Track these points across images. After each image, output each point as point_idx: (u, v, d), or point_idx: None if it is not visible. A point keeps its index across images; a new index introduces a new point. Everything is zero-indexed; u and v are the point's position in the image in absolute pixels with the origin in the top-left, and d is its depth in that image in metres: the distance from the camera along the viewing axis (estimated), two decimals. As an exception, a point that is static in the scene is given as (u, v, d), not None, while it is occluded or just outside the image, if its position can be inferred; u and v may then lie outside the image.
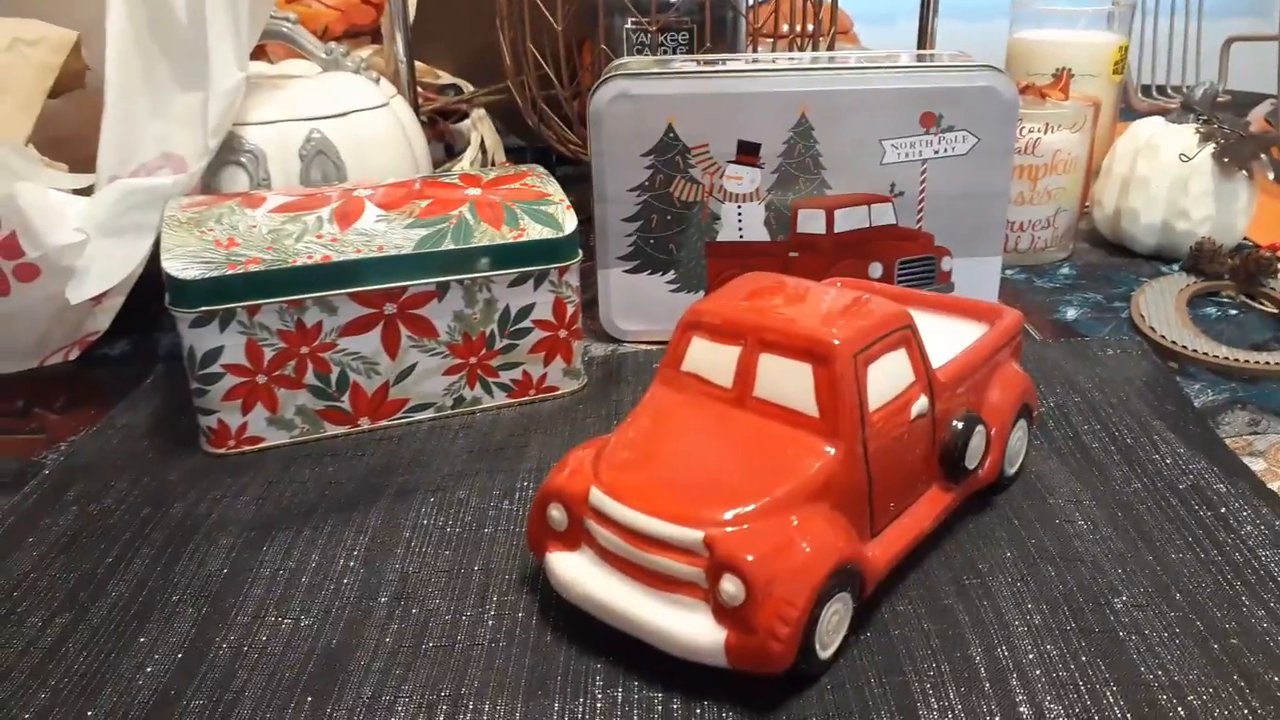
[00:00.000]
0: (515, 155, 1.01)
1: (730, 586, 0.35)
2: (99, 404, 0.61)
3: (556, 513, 0.40)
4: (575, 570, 0.40)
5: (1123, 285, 0.76)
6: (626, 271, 0.66)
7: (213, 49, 0.62)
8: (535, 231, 0.55)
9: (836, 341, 0.39)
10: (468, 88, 1.00)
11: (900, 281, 0.65)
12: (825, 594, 0.36)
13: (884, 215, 0.64)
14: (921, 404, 0.42)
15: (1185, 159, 0.76)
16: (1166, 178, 0.77)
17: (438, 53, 1.02)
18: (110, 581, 0.44)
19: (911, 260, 0.65)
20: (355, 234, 0.52)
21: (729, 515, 0.37)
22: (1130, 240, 0.81)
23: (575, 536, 0.40)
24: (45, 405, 0.61)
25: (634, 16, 0.77)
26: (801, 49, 0.90)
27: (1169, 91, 1.24)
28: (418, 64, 0.97)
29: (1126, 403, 0.57)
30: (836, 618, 0.38)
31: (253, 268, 0.51)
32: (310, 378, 0.54)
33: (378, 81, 0.73)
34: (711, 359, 0.42)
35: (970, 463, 0.45)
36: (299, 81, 0.70)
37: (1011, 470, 0.49)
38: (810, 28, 0.89)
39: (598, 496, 0.39)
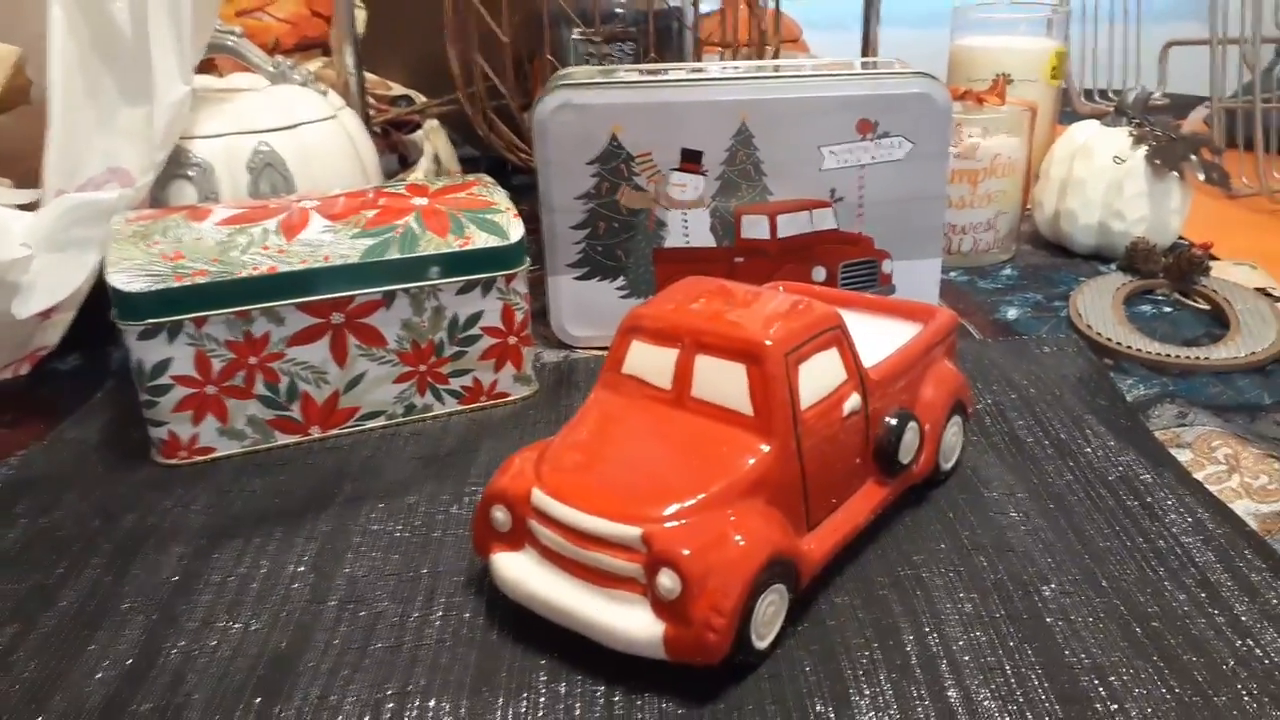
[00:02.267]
0: (469, 165, 1.02)
1: (667, 580, 0.36)
2: (49, 419, 0.61)
3: (500, 514, 0.41)
4: (519, 570, 0.41)
5: (1062, 285, 0.78)
6: (576, 279, 0.67)
7: (156, 62, 0.62)
8: (481, 240, 0.56)
9: (768, 343, 0.40)
10: (420, 99, 1.01)
11: (843, 285, 0.67)
12: (760, 586, 0.38)
13: (825, 220, 0.66)
14: (854, 401, 0.44)
15: (1119, 161, 0.79)
16: (1102, 180, 0.80)
17: (390, 64, 1.03)
18: (60, 591, 0.45)
19: (854, 263, 0.66)
20: (301, 245, 0.53)
21: (666, 512, 0.38)
22: (1069, 241, 0.83)
23: (519, 537, 0.41)
24: (-6, 420, 0.61)
25: (580, 28, 0.78)
26: (747, 57, 0.91)
27: (1111, 95, 1.27)
28: (369, 75, 0.98)
29: (1061, 399, 0.59)
30: (772, 609, 0.39)
31: (199, 280, 0.51)
32: (260, 388, 0.54)
33: (325, 94, 0.73)
34: (651, 361, 0.43)
35: (904, 458, 0.46)
36: (246, 95, 0.70)
37: (947, 465, 0.51)
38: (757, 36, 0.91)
39: (540, 497, 0.40)
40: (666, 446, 0.41)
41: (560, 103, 0.62)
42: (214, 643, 0.41)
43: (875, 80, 0.63)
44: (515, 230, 0.57)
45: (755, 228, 0.66)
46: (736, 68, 0.68)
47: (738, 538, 0.37)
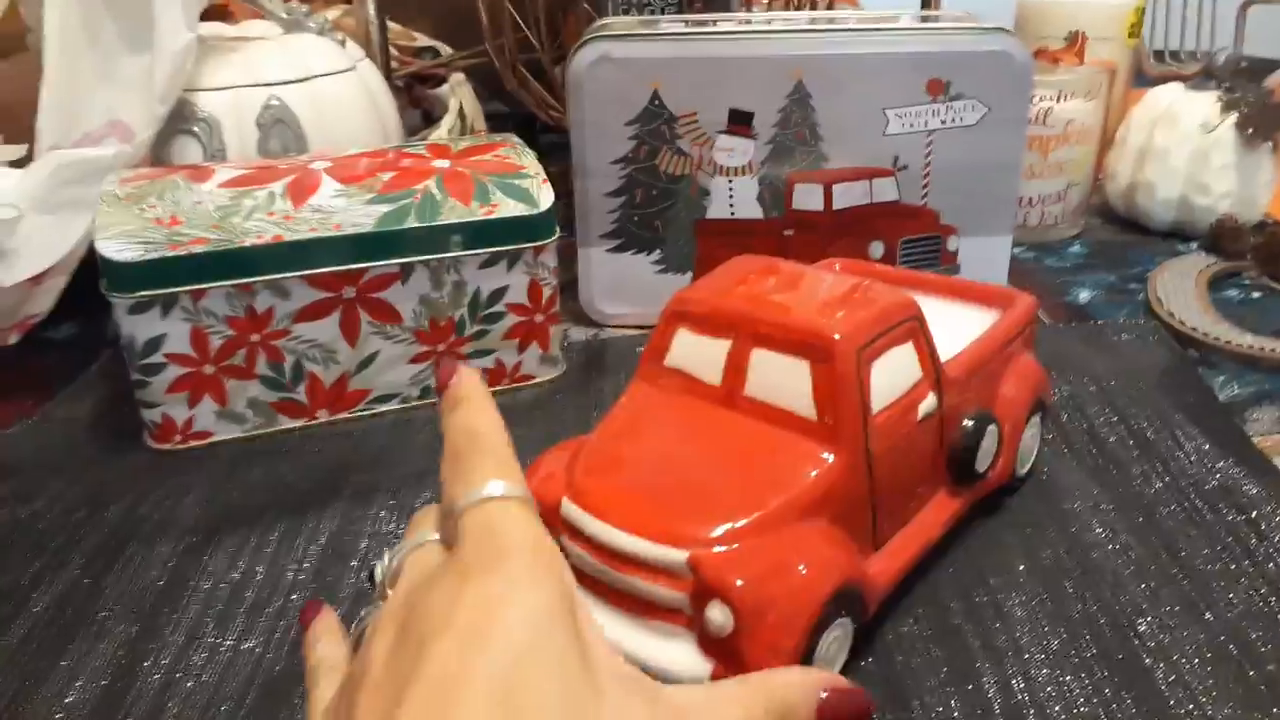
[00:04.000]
0: (497, 122, 0.96)
1: (718, 615, 0.31)
2: (39, 393, 0.56)
3: None
4: None
5: (1138, 265, 0.72)
6: (609, 250, 0.61)
7: (159, 7, 0.57)
8: (508, 207, 0.50)
9: (837, 336, 0.35)
10: (446, 50, 0.95)
11: (903, 262, 0.61)
12: (823, 621, 0.32)
13: (886, 191, 0.59)
14: (929, 402, 0.38)
15: (1207, 129, 0.72)
16: (1185, 149, 0.73)
17: (414, 13, 0.97)
18: (34, 594, 0.40)
19: (915, 239, 0.60)
20: (310, 211, 0.48)
21: (716, 533, 0.33)
22: (1145, 216, 0.77)
23: None
24: (-19, 394, 0.57)
25: (620, -26, 0.72)
26: (798, 8, 0.85)
27: (1182, 56, 1.19)
28: (393, 25, 0.92)
29: (1145, 394, 0.53)
30: (835, 645, 0.34)
31: (196, 248, 0.46)
32: (262, 367, 0.49)
33: (344, 44, 0.68)
34: (698, 353, 0.38)
35: (981, 465, 0.41)
36: (257, 44, 0.65)
37: (1023, 471, 0.45)
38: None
39: (570, 509, 0.35)
40: (716, 453, 0.36)
41: (598, 55, 0.56)
42: (200, 662, 0.37)
43: (948, 36, 0.57)
44: (545, 197, 0.51)
45: (808, 197, 0.60)
46: (792, 19, 0.62)
47: (800, 566, 0.32)
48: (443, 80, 0.93)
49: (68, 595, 0.40)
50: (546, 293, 0.53)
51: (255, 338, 0.49)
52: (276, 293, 0.48)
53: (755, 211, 0.60)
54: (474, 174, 0.51)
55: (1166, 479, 0.46)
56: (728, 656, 0.32)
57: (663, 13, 0.73)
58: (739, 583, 0.31)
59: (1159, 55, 1.23)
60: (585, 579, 0.35)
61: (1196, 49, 1.24)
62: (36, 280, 0.56)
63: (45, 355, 0.61)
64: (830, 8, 0.82)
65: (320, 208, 0.48)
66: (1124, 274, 0.70)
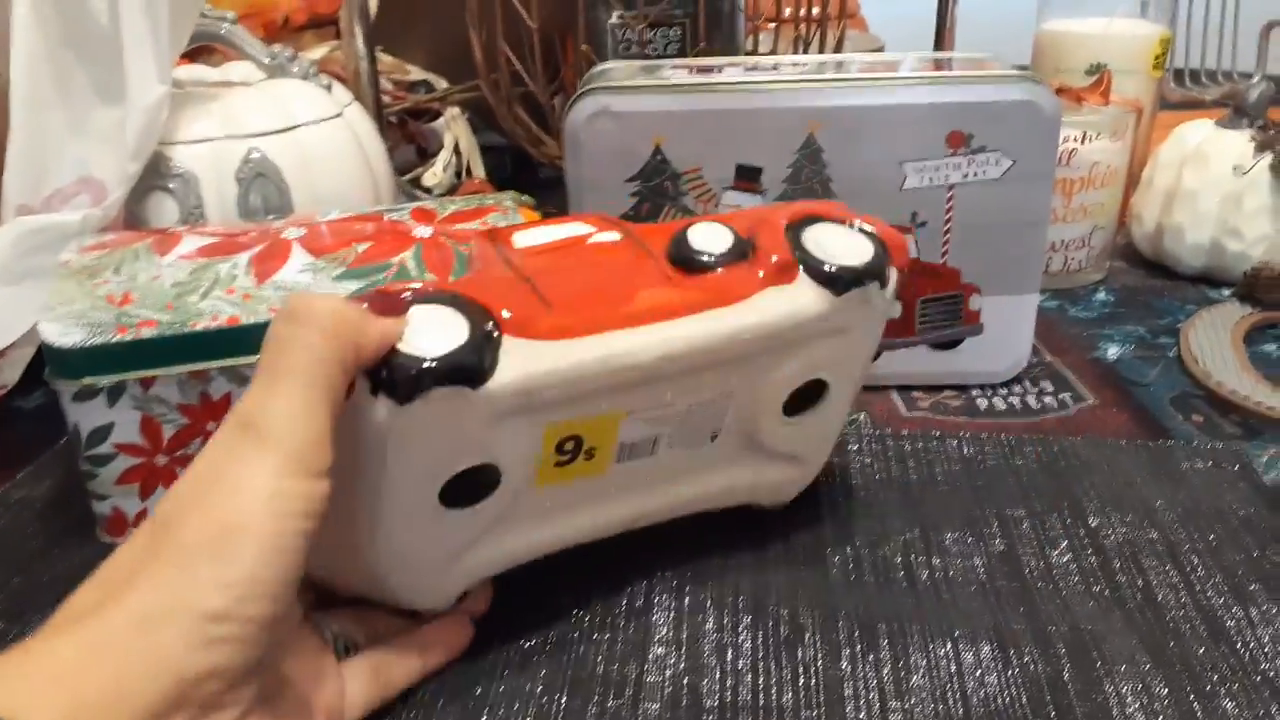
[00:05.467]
0: (493, 155, 0.93)
1: None
2: (4, 470, 0.53)
3: None
4: None
5: (1167, 315, 0.68)
6: (610, 309, 0.58)
7: (129, 59, 0.54)
8: None
9: None
10: (440, 84, 0.91)
11: (922, 323, 0.57)
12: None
13: (904, 248, 0.56)
14: (608, 235, 0.41)
15: (1240, 172, 0.68)
16: (1217, 192, 0.69)
17: (408, 45, 0.93)
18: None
19: (935, 298, 0.57)
20: (272, 289, 0.44)
21: None
22: (1173, 261, 0.73)
23: None
24: (-56, 471, 0.53)
25: (620, 11, 0.69)
26: (808, 38, 0.81)
27: (1203, 79, 1.15)
28: (386, 58, 0.89)
29: (1217, 551, 0.45)
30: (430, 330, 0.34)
31: (146, 332, 0.42)
32: (222, 458, 0.46)
33: (329, 88, 0.64)
34: None
35: (704, 246, 0.40)
36: (237, 91, 0.61)
37: (833, 264, 0.40)
38: (814, 12, 0.81)
39: None
40: None
41: (598, 108, 0.52)
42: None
43: (970, 85, 0.53)
44: (530, 273, 0.48)
45: (821, 255, 0.56)
46: (801, 65, 0.58)
47: None
48: (437, 114, 0.90)
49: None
50: (541, 365, 0.50)
51: (211, 426, 0.45)
52: (233, 379, 0.44)
53: (764, 269, 0.57)
54: (454, 245, 0.48)
55: (1240, 677, 0.38)
56: None
57: (665, 53, 0.69)
58: None
59: (1179, 76, 1.19)
60: None
61: (1218, 70, 1.20)
62: (1, 353, 0.53)
63: (13, 427, 0.58)
64: (840, 42, 0.79)
65: (283, 285, 0.45)
66: (1153, 325, 0.67)
